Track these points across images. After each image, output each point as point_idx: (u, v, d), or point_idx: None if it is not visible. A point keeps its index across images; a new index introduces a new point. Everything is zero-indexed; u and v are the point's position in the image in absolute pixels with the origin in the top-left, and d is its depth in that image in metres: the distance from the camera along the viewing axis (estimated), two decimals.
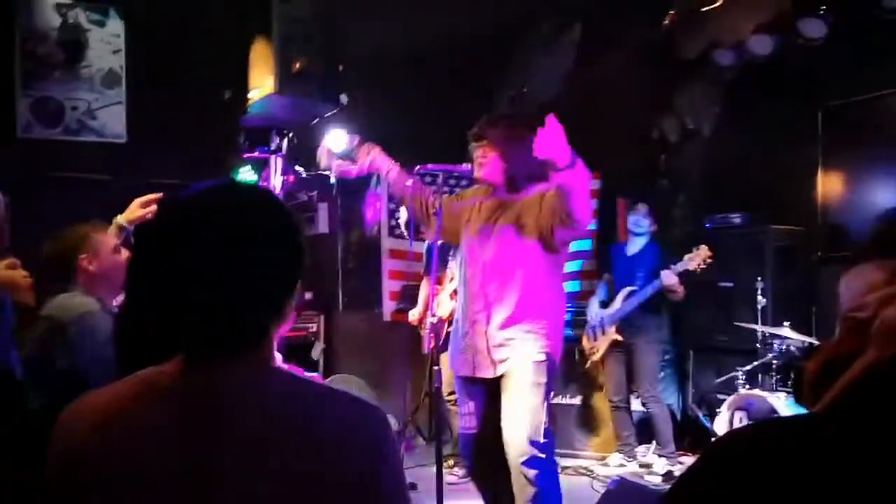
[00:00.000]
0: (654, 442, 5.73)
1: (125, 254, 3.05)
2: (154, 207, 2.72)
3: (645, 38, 5.92)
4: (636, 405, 5.80)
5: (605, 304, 5.75)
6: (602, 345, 5.67)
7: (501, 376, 3.40)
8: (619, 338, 5.59)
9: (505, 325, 3.38)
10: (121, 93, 5.10)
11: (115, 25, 5.07)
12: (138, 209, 2.80)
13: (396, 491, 1.22)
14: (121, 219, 2.79)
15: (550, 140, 3.01)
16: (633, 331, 5.59)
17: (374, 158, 3.67)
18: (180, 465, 1.12)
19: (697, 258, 5.27)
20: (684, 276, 5.33)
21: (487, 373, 3.43)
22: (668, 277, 5.29)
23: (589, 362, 5.81)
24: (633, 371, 5.63)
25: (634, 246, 5.74)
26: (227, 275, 1.16)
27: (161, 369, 1.20)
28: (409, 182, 3.72)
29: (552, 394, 3.53)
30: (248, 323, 1.20)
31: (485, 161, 3.46)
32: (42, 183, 4.62)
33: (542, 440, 3.33)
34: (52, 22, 4.90)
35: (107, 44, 5.02)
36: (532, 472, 3.29)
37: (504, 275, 3.41)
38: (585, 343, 5.77)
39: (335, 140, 4.00)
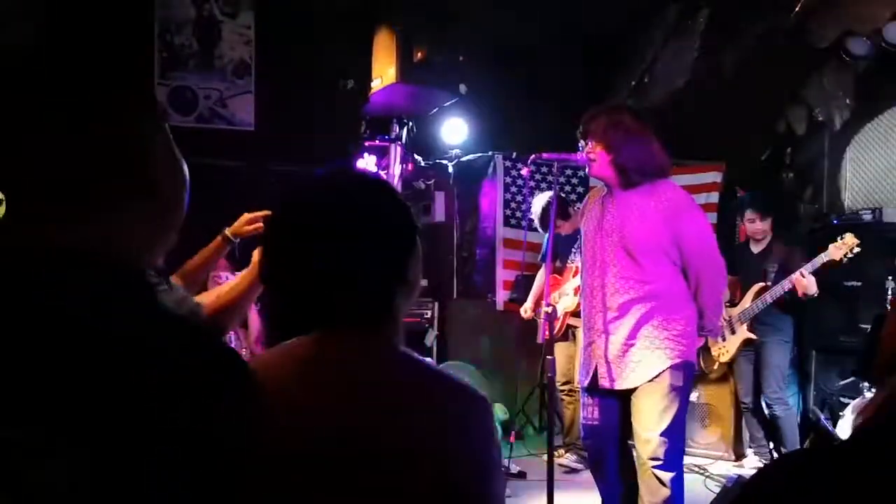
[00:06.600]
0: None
1: None
2: (260, 224, 2.62)
3: (774, 24, 5.71)
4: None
5: (731, 304, 5.52)
6: (732, 345, 5.41)
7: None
8: (752, 336, 5.35)
9: (636, 331, 3.26)
10: (250, 82, 5.30)
11: (247, 17, 5.27)
12: (246, 224, 2.70)
13: (497, 477, 1.28)
14: (228, 231, 2.71)
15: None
16: (764, 329, 5.36)
17: None
18: (310, 434, 1.18)
19: (843, 247, 4.89)
20: (828, 268, 4.99)
21: (614, 384, 3.33)
22: (800, 282, 4.95)
23: (717, 365, 5.48)
24: (761, 371, 5.40)
25: (760, 244, 5.53)
26: (341, 254, 1.25)
27: (301, 340, 1.28)
28: None
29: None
30: (365, 298, 1.28)
31: (592, 156, 3.33)
32: None
33: (676, 445, 3.27)
34: (188, 14, 5.15)
35: (238, 35, 5.23)
36: (667, 476, 3.22)
37: (627, 280, 3.28)
38: (712, 345, 5.39)
39: None
